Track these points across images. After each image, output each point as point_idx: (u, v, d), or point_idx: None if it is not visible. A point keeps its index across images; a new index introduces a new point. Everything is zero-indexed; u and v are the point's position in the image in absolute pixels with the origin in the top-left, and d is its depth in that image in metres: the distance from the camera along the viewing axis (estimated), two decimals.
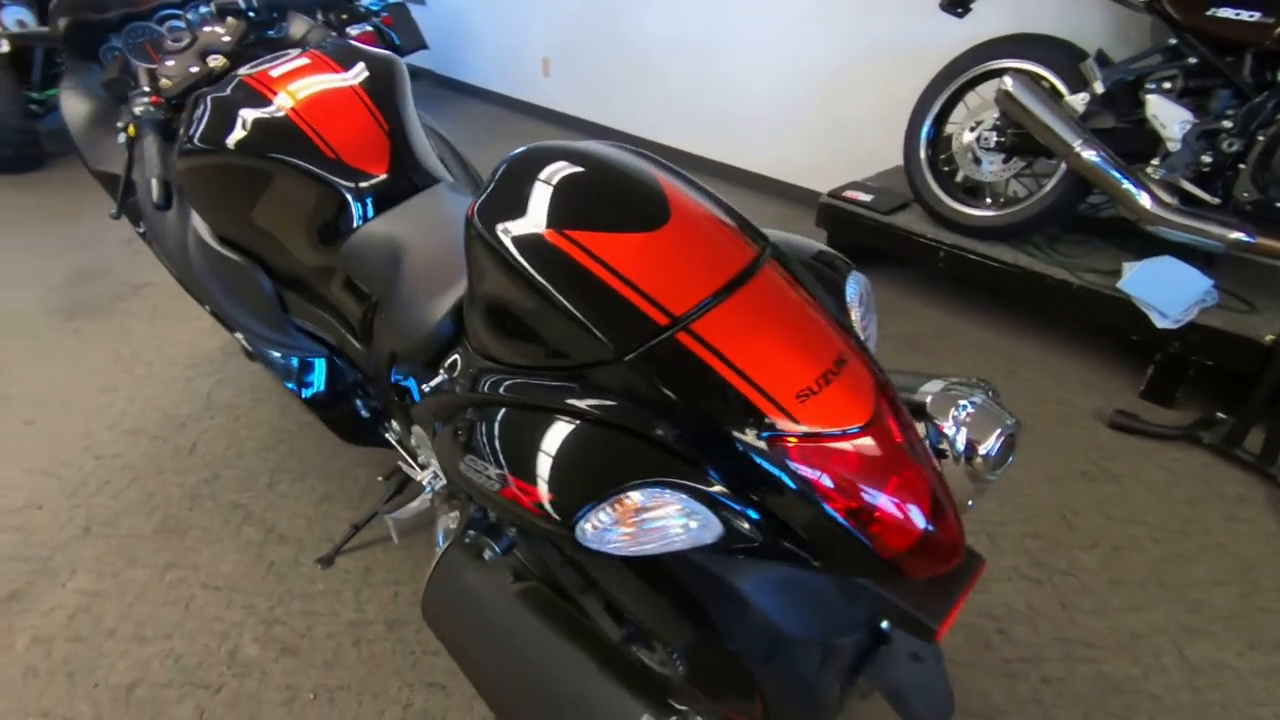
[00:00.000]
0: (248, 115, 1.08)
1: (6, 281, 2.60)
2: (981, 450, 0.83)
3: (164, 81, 1.30)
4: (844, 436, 0.60)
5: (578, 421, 0.63)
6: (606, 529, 0.62)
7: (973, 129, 2.24)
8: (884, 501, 0.61)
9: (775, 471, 0.60)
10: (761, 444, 0.60)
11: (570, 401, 0.63)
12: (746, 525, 0.62)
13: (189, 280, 1.46)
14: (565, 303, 0.62)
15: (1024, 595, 1.47)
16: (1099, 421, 1.95)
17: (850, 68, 2.99)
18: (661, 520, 0.62)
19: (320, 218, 1.09)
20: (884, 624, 0.82)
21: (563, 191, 0.67)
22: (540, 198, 0.67)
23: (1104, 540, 1.60)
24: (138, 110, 1.25)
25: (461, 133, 4.57)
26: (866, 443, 0.60)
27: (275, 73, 1.12)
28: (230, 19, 1.42)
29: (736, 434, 0.60)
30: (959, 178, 2.34)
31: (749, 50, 3.36)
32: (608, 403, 0.62)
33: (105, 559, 1.50)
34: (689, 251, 0.64)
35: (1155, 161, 1.90)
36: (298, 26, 1.71)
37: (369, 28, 4.05)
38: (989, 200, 2.30)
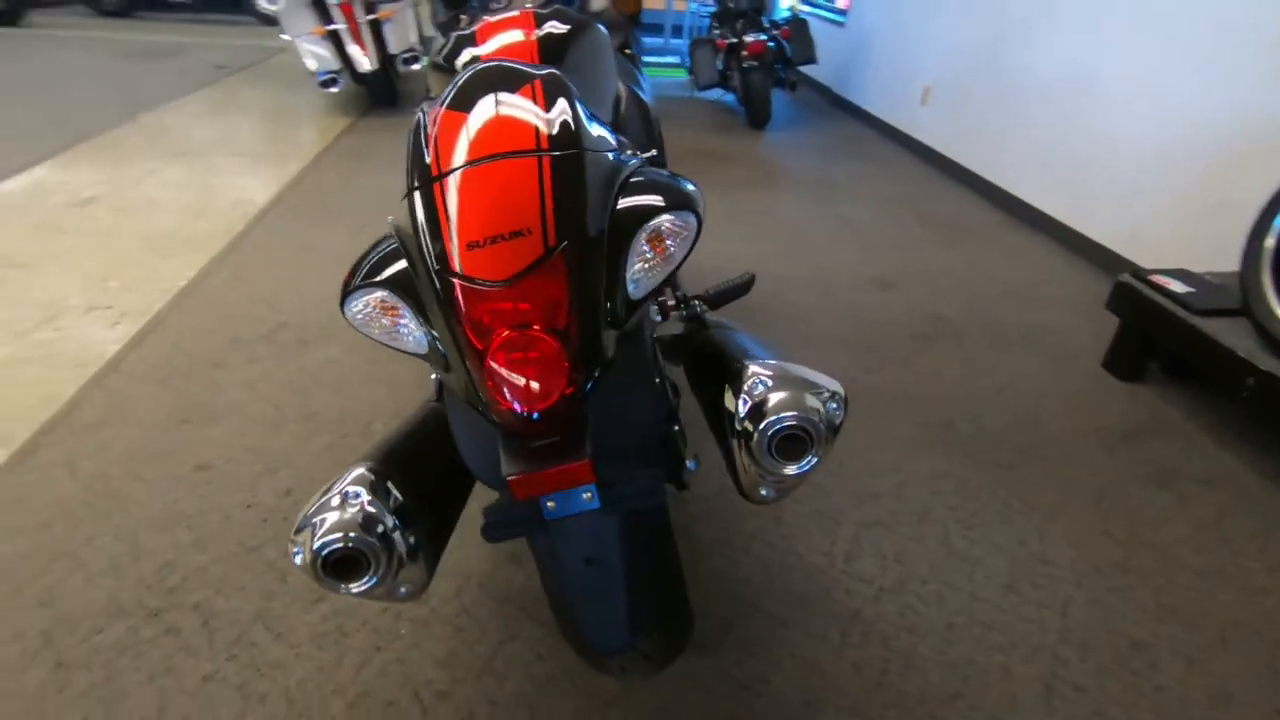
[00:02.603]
0: (465, 48, 1.49)
1: None
2: (759, 426, 0.79)
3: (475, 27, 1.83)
4: (479, 288, 0.70)
5: (384, 236, 0.84)
6: (360, 315, 0.81)
7: None
8: (494, 354, 0.69)
9: (443, 304, 0.73)
10: (440, 280, 0.73)
11: (389, 219, 0.85)
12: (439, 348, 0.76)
13: None
14: (410, 150, 0.83)
15: None
16: None
17: (1256, 141, 2.31)
18: (398, 323, 0.79)
19: None
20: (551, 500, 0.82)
21: (464, 86, 0.86)
22: (452, 88, 0.87)
23: None
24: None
25: (824, 144, 4.76)
26: (496, 302, 0.70)
27: (493, 20, 1.51)
28: None
29: (433, 267, 0.74)
30: None
31: (1128, 102, 2.82)
32: (397, 225, 0.82)
33: (350, 343, 2.18)
34: (483, 132, 0.78)
35: None
36: (597, 2, 2.14)
37: (763, 36, 4.47)
38: None
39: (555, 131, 0.80)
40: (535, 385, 0.71)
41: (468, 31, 1.53)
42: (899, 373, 2.21)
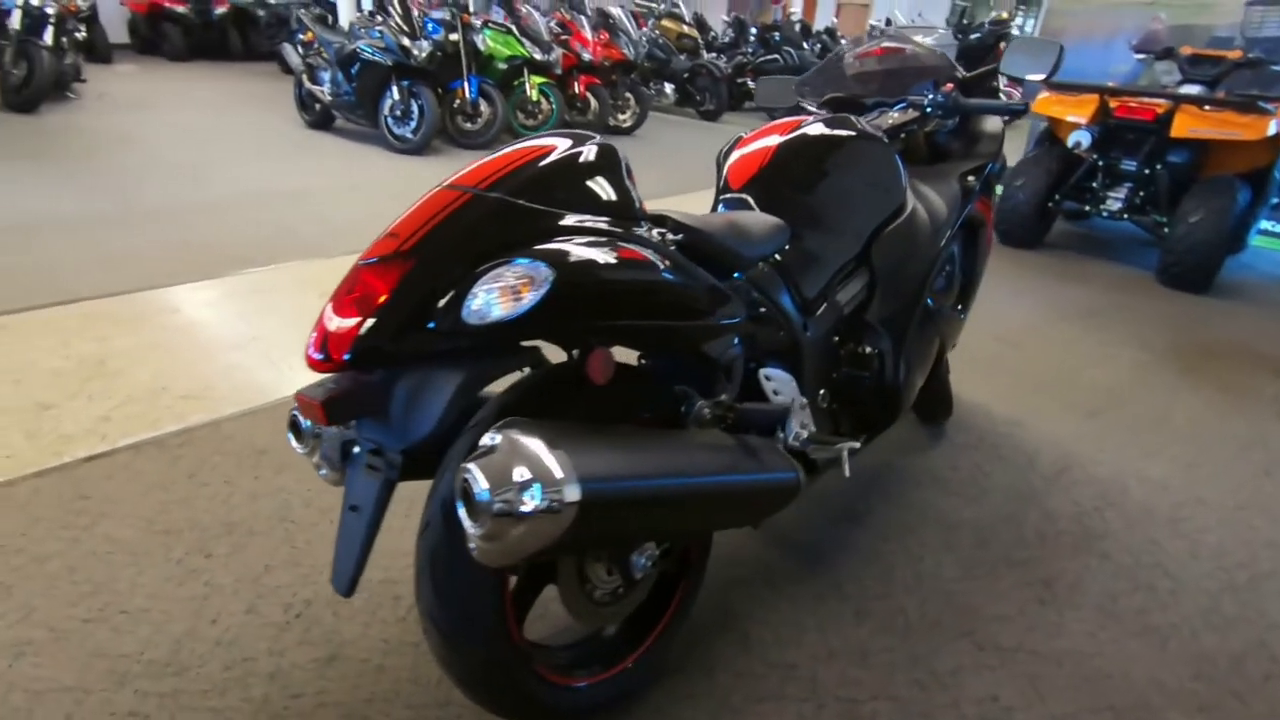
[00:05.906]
0: (733, 148, 1.62)
1: None
2: (464, 464, 0.80)
3: None
4: (354, 264, 0.91)
5: None
6: None
7: None
8: (329, 308, 0.88)
9: None
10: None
11: None
12: None
13: None
14: None
15: None
16: None
17: None
18: None
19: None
20: (357, 446, 0.95)
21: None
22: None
23: None
24: None
25: None
26: (351, 276, 0.89)
27: (767, 125, 1.62)
28: (911, 110, 1.85)
29: None
30: None
31: None
32: None
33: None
34: (470, 168, 0.98)
35: None
36: (988, 124, 1.99)
37: None
38: None
39: (498, 179, 0.95)
40: (328, 334, 0.87)
41: (744, 135, 1.66)
42: None
